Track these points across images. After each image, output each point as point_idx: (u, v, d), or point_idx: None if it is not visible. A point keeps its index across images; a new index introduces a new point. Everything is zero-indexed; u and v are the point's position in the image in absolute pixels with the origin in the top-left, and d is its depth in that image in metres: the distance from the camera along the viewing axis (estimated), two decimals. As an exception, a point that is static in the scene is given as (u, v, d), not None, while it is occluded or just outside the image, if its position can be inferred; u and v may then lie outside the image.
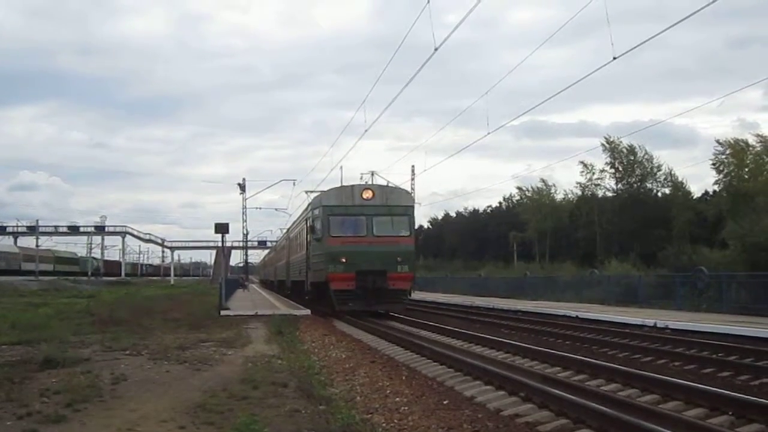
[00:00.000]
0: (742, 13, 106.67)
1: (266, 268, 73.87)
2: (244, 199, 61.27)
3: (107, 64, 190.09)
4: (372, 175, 27.44)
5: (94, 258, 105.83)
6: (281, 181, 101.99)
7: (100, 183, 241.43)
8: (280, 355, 12.95)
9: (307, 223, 26.51)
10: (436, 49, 17.95)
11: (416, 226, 26.42)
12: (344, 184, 26.98)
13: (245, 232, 65.34)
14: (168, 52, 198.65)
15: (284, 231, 49.08)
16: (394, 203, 24.31)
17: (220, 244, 45.69)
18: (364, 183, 26.26)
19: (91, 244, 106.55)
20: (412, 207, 25.07)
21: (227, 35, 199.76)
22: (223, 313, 23.72)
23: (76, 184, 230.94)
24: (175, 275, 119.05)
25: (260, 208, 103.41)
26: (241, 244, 77.40)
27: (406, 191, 25.26)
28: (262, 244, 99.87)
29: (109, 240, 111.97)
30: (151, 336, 16.12)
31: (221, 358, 12.57)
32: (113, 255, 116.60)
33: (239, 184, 60.31)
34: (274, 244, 67.42)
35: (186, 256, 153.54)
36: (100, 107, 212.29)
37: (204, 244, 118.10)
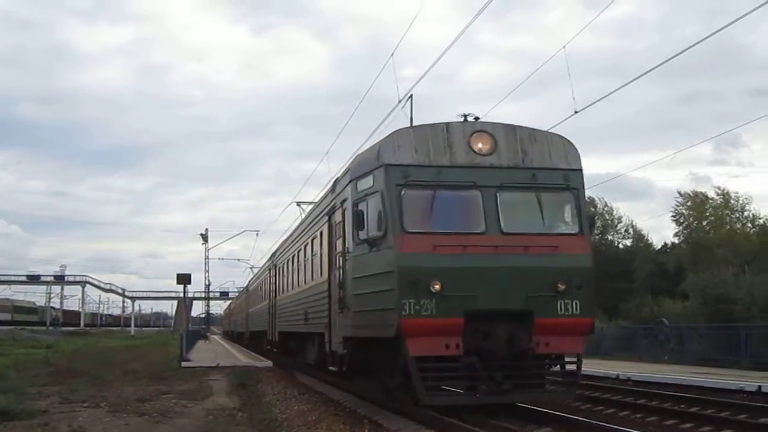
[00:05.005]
0: (689, 70, 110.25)
1: (233, 317, 60.29)
2: (207, 250, 60.95)
3: (68, 113, 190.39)
4: (473, 119, 11.62)
5: (53, 308, 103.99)
6: (244, 231, 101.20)
7: (60, 232, 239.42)
8: (241, 408, 12.80)
9: (336, 216, 12.99)
10: (410, 97, 17.13)
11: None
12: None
13: (207, 283, 64.88)
14: (129, 102, 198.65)
15: (263, 264, 32.98)
16: (543, 163, 11.39)
17: (181, 295, 45.18)
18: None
19: (50, 293, 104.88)
20: (580, 171, 11.68)
21: (187, 85, 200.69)
22: (184, 364, 23.37)
23: (36, 233, 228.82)
24: (136, 326, 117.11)
25: (222, 259, 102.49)
26: (202, 294, 76.79)
27: (563, 138, 11.85)
28: (224, 294, 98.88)
29: (68, 289, 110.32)
30: (110, 388, 15.85)
31: (182, 410, 12.38)
32: (73, 305, 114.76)
33: (202, 235, 60.12)
34: (243, 286, 51.98)
35: (147, 307, 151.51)
36: (61, 156, 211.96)
37: (165, 294, 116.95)
